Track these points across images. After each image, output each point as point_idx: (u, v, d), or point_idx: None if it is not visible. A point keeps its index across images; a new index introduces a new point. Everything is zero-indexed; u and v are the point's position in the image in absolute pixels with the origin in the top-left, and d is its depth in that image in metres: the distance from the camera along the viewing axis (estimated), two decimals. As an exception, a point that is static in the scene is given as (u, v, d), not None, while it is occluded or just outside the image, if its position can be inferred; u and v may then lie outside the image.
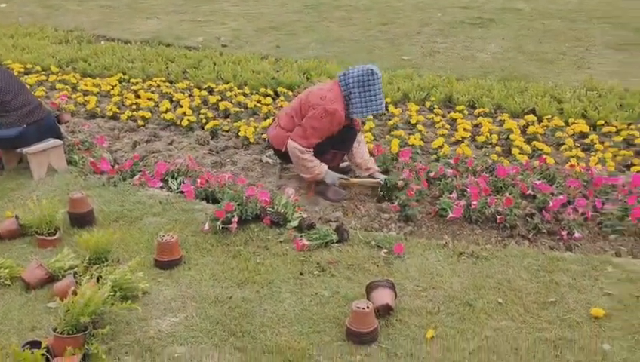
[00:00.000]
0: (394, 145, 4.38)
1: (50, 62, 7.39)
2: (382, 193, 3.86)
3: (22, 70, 7.11)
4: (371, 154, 4.24)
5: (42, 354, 2.05)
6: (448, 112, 5.50)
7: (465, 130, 4.86)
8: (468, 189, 3.63)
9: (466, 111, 5.44)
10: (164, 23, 10.98)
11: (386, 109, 5.44)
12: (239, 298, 2.74)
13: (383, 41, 9.26)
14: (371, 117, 5.21)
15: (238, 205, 3.38)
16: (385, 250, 3.15)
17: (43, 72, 7.07)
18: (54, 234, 3.19)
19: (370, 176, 3.98)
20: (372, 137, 4.74)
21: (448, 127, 5.04)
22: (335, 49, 8.77)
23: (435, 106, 5.60)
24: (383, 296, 2.58)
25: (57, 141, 4.20)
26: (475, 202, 3.48)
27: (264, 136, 4.80)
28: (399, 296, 2.72)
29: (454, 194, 3.65)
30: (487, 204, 3.50)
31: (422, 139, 4.68)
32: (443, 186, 3.82)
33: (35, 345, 2.17)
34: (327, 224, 3.51)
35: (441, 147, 4.47)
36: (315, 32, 9.84)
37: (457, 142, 4.73)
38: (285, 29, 10.19)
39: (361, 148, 4.02)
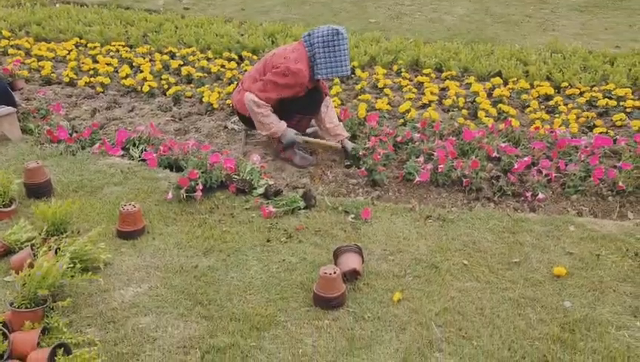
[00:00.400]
0: (361, 109, 4.33)
1: (1, 26, 7.03)
2: (349, 162, 3.83)
3: (-30, 34, 6.74)
4: (339, 119, 4.18)
5: (-2, 329, 1.98)
6: (415, 76, 5.47)
7: (432, 93, 4.84)
8: (435, 153, 3.62)
9: (433, 75, 5.41)
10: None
11: (352, 73, 5.37)
12: (205, 266, 2.69)
13: (350, 3, 9.10)
14: (338, 81, 5.14)
15: (203, 173, 3.30)
16: (352, 215, 3.13)
17: (-7, 37, 6.72)
18: (9, 206, 3.06)
19: (340, 144, 3.93)
20: (339, 102, 4.68)
21: (415, 90, 5.02)
22: (301, 11, 8.59)
23: (403, 70, 5.55)
24: (350, 261, 2.58)
25: (10, 108, 4.01)
26: (441, 166, 3.49)
27: (228, 101, 4.68)
28: (367, 261, 2.72)
29: (421, 158, 3.65)
30: (454, 168, 3.51)
31: (389, 104, 4.65)
32: (410, 150, 3.81)
33: (-10, 320, 2.09)
34: (294, 190, 3.47)
35: (408, 111, 4.44)
36: (281, -6, 9.60)
37: (424, 106, 4.72)
38: (249, -9, 9.90)
39: (330, 112, 3.95)
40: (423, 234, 2.98)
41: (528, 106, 4.67)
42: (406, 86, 5.10)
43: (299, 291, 2.53)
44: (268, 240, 2.91)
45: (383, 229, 3.02)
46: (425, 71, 5.46)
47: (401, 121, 4.38)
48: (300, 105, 3.75)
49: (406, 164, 3.65)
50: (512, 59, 5.64)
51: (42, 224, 2.80)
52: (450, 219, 3.11)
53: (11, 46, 6.33)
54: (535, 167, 3.59)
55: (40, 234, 2.76)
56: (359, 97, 4.82)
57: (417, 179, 3.47)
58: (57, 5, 8.74)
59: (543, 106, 4.74)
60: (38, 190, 3.24)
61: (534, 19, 7.99)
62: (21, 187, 3.23)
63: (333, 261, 2.65)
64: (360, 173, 3.61)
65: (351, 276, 2.57)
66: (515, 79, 5.17)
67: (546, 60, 5.67)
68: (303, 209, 3.20)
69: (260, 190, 3.34)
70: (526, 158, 3.62)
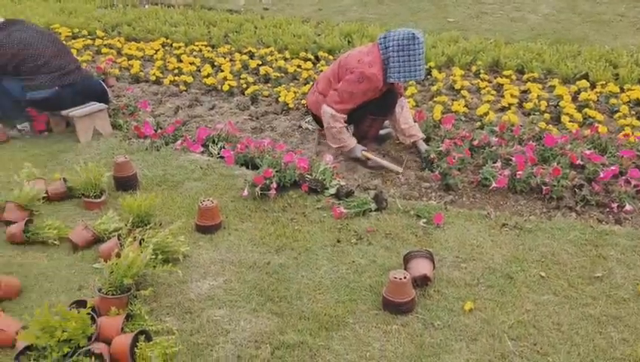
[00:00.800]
0: (436, 111, 4.26)
1: (96, 27, 7.51)
2: (423, 165, 3.79)
3: (69, 34, 7.26)
4: (414, 120, 4.14)
5: (88, 313, 2.13)
6: (495, 77, 5.30)
7: (512, 96, 4.68)
8: (513, 158, 3.51)
9: (513, 77, 5.23)
10: (207, -15, 10.89)
11: (429, 74, 5.29)
12: (277, 264, 2.76)
13: (428, 2, 8.95)
14: (413, 82, 5.08)
15: (277, 171, 3.38)
16: (424, 220, 3.10)
17: (89, 37, 7.19)
18: (100, 197, 3.27)
19: (414, 145, 3.90)
20: (414, 103, 4.63)
21: (494, 93, 4.87)
22: (378, 11, 8.55)
23: (481, 71, 5.40)
24: (421, 267, 2.55)
25: (102, 105, 4.28)
26: (520, 172, 3.37)
27: (303, 101, 4.76)
28: (438, 267, 2.68)
29: (498, 164, 3.54)
30: (533, 174, 3.38)
31: (466, 106, 4.54)
32: (487, 155, 3.71)
33: (81, 304, 2.25)
34: (366, 192, 3.47)
35: (486, 114, 4.32)
36: (358, -7, 9.60)
37: (503, 109, 4.57)
38: (328, -9, 9.97)
39: (405, 113, 3.92)
40: (498, 243, 2.89)
41: (617, 111, 4.40)
42: (484, 88, 4.96)
43: (368, 294, 2.54)
44: (338, 241, 2.94)
45: (456, 235, 2.96)
46: (505, 72, 5.28)
47: (479, 124, 4.27)
48: (373, 106, 3.75)
49: (482, 168, 3.56)
50: (600, 61, 5.34)
51: (128, 216, 2.99)
52: (528, 228, 3.00)
53: (104, 45, 6.76)
54: (623, 177, 3.38)
55: (126, 225, 2.94)
56: (435, 99, 4.74)
57: (494, 184, 3.37)
58: (147, 7, 9.22)
59: (634, 112, 4.45)
60: (125, 183, 3.44)
61: (627, 19, 7.51)
62: (110, 180, 3.45)
63: (403, 265, 2.64)
64: (433, 177, 3.56)
65: (421, 282, 2.54)
66: (604, 82, 4.89)
67: (638, 62, 5.32)
68: (374, 211, 3.20)
69: (332, 190, 3.37)
70: (613, 167, 3.43)
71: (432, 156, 3.66)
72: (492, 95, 4.79)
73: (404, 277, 2.40)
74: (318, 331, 2.32)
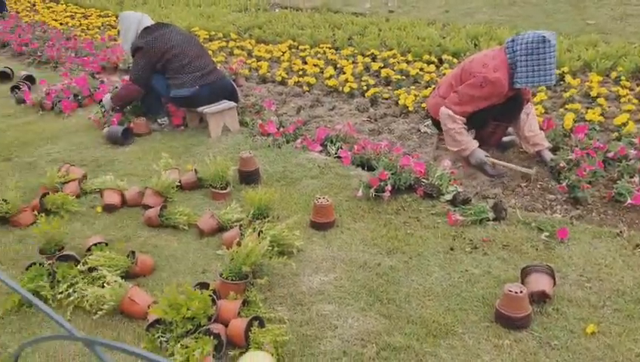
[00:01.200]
0: (567, 119, 4.00)
1: (230, 30, 8.02)
2: (550, 174, 3.57)
3: (207, 37, 7.83)
4: (540, 128, 3.92)
5: (210, 295, 2.30)
6: (637, 85, 4.85)
7: (657, 105, 4.25)
8: (654, 174, 3.20)
9: (661, 84, 4.74)
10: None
11: (559, 82, 4.98)
12: (387, 266, 2.77)
13: (566, 3, 8.40)
14: (543, 88, 4.81)
15: (392, 174, 3.39)
16: (546, 233, 2.93)
17: (224, 39, 7.70)
18: (225, 189, 3.51)
19: (538, 154, 3.70)
20: (542, 110, 4.38)
21: (636, 101, 4.45)
22: (509, 12, 8.19)
23: (623, 78, 4.96)
24: (540, 282, 2.42)
25: (232, 103, 4.58)
26: (661, 189, 3.06)
27: (423, 105, 4.70)
28: (559, 285, 2.52)
29: (636, 178, 3.24)
30: (678, 193, 3.05)
31: (602, 115, 4.21)
32: (623, 168, 3.41)
33: (204, 286, 2.44)
34: (484, 200, 3.36)
35: (625, 124, 3.97)
36: (488, -5, 9.26)
37: (646, 120, 4.17)
38: (456, -7, 9.75)
39: (530, 120, 3.73)
40: (630, 264, 2.65)
41: None
42: (625, 96, 4.55)
43: (480, 305, 2.46)
44: (451, 249, 2.88)
45: (582, 253, 2.77)
46: (651, 79, 4.81)
47: (615, 135, 3.93)
48: (496, 112, 3.60)
49: (617, 183, 3.28)
50: None
51: (250, 208, 3.17)
52: (667, 251, 2.72)
53: (237, 47, 7.20)
54: None
55: (247, 216, 3.12)
56: (567, 106, 4.45)
57: (629, 201, 3.09)
58: (277, 10, 9.66)
59: None
60: (248, 177, 3.65)
61: None
62: (235, 173, 3.68)
63: (520, 279, 2.52)
64: (559, 189, 3.35)
65: (539, 298, 2.41)
66: None
67: None
68: (492, 220, 3.08)
69: (448, 196, 3.30)
70: None
71: (560, 164, 3.43)
72: (633, 104, 4.39)
73: (521, 291, 2.29)
74: (425, 337, 2.30)
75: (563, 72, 5.13)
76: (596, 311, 2.37)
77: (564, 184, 3.32)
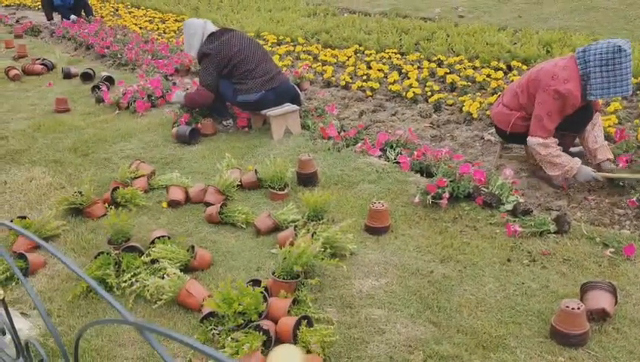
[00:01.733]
0: (642, 131, 3.78)
1: (298, 34, 8.16)
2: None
3: (275, 41, 8.00)
4: (611, 139, 3.74)
5: (261, 292, 2.37)
6: None
7: None
8: None
9: None
10: (404, -6, 11.08)
11: (635, 92, 4.71)
12: (440, 274, 2.74)
13: (650, 8, 7.93)
14: (618, 98, 4.57)
15: (451, 181, 3.34)
16: (611, 249, 2.79)
17: (292, 43, 7.85)
18: (284, 190, 3.58)
19: (598, 167, 3.52)
20: (616, 120, 4.16)
21: None
22: (586, 18, 7.83)
23: None
24: (600, 299, 2.32)
25: (294, 106, 4.66)
26: None
27: (488, 112, 4.59)
28: (621, 303, 2.40)
29: None
30: None
31: (682, 127, 3.95)
32: (702, 185, 3.19)
33: (256, 283, 2.51)
34: (547, 212, 3.24)
35: None
36: (565, 0, 8.91)
37: None
38: (530, -3, 9.44)
39: (596, 131, 3.56)
40: None
41: None
42: None
43: (534, 319, 2.39)
44: (508, 260, 2.81)
45: (650, 272, 2.62)
46: None
47: (697, 149, 3.68)
48: (564, 121, 3.46)
49: (694, 200, 3.08)
50: None
51: (305, 209, 3.22)
52: None
53: (304, 51, 7.31)
54: None
55: (302, 217, 3.18)
56: (643, 117, 4.21)
57: None
58: (345, 15, 9.73)
59: None
60: (307, 179, 3.71)
61: None
62: (294, 175, 3.75)
63: (579, 295, 2.42)
64: (629, 204, 3.18)
65: (598, 316, 2.31)
66: None
67: None
68: (554, 233, 2.97)
69: (508, 206, 3.22)
70: None
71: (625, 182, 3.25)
72: None
73: (578, 308, 2.20)
74: (475, 348, 2.26)
75: (636, 83, 4.85)
76: (662, 334, 2.24)
77: (634, 198, 3.15)
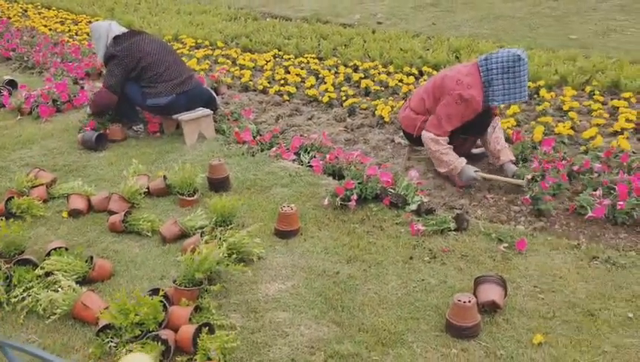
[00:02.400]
0: (537, 132, 4.03)
1: (217, 38, 8.06)
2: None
3: (193, 45, 7.87)
4: (509, 140, 3.96)
5: (160, 301, 2.31)
6: (611, 99, 4.89)
7: (627, 120, 4.28)
8: (616, 187, 3.22)
9: (633, 99, 4.79)
10: (327, 0, 11.25)
11: (533, 96, 5.03)
12: (345, 274, 2.78)
13: (551, 17, 8.49)
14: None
15: (359, 183, 3.41)
16: (505, 244, 2.95)
17: (210, 47, 7.74)
18: (193, 196, 3.52)
19: (501, 168, 3.73)
20: (515, 123, 4.41)
21: (607, 115, 4.50)
22: (494, 26, 8.26)
23: (597, 92, 5.01)
24: (490, 292, 2.44)
25: (208, 111, 4.60)
26: (621, 202, 3.08)
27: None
28: (512, 295, 2.54)
29: (599, 192, 3.26)
30: (638, 206, 3.07)
31: (572, 128, 4.24)
32: (587, 182, 3.44)
33: (156, 292, 2.44)
34: (451, 210, 3.38)
35: (592, 138, 4.01)
36: (475, 9, 9.37)
37: (615, 134, 4.20)
38: (444, 6, 9.86)
39: (496, 133, 3.77)
40: (585, 276, 2.67)
41: None
42: (597, 110, 4.59)
43: (432, 314, 2.47)
44: (411, 258, 2.90)
45: (538, 264, 2.79)
46: (624, 95, 4.85)
47: (583, 148, 3.97)
48: (465, 126, 3.63)
49: (579, 196, 3.31)
50: None
51: (213, 215, 3.18)
52: (622, 263, 2.74)
53: (222, 55, 7.23)
54: None
55: (209, 223, 3.13)
56: (539, 119, 4.49)
57: (590, 213, 3.12)
58: (267, 20, 9.72)
59: None
60: (218, 184, 3.66)
61: None
62: (205, 180, 3.69)
63: (472, 289, 2.53)
64: (524, 201, 3.37)
65: (489, 308, 2.43)
66: None
67: None
68: (454, 231, 3.10)
69: (413, 206, 3.32)
70: None
71: (528, 177, 3.46)
72: (604, 118, 4.42)
73: (469, 301, 2.30)
74: (374, 345, 2.31)
75: (539, 85, 5.18)
76: (546, 322, 2.39)
77: (528, 196, 3.34)
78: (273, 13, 10.54)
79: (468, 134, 3.75)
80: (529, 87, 5.12)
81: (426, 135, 3.66)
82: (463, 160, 3.63)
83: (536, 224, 3.23)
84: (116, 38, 4.41)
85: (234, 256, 2.76)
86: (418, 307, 2.53)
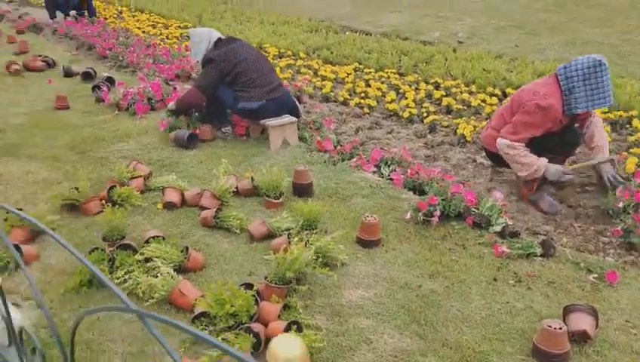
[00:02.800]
0: (630, 163, 3.90)
1: (299, 49, 8.28)
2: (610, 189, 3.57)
3: (276, 54, 8.11)
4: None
5: (252, 296, 2.42)
6: None
7: None
8: None
9: None
10: (406, 17, 11.32)
11: (625, 125, 4.87)
12: (428, 288, 2.80)
13: (643, 45, 8.16)
14: (609, 129, 4.71)
15: (443, 200, 3.42)
16: (595, 275, 2.88)
17: (293, 57, 7.96)
18: (279, 198, 3.64)
19: (597, 168, 3.71)
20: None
21: None
22: (580, 51, 8.02)
23: (698, 125, 4.78)
24: (581, 321, 2.39)
25: (293, 118, 4.74)
26: None
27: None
28: (602, 328, 2.48)
29: (697, 229, 3.12)
30: None
31: (668, 161, 4.06)
32: (684, 218, 3.29)
33: (248, 286, 2.56)
34: (534, 236, 3.33)
35: (693, 173, 3.82)
36: (561, 33, 9.14)
37: None
38: (527, 28, 9.67)
39: (599, 131, 3.73)
40: (681, 316, 2.57)
41: None
42: (697, 144, 4.39)
43: (517, 337, 2.45)
44: (495, 279, 2.88)
45: (630, 298, 2.70)
46: None
47: (680, 183, 3.79)
48: (552, 143, 3.58)
49: (676, 232, 3.18)
50: None
51: (299, 218, 3.28)
52: None
53: (304, 66, 7.43)
54: None
55: (296, 226, 3.24)
56: (631, 150, 4.33)
57: (687, 252, 2.99)
58: (347, 33, 9.89)
59: None
60: (302, 190, 3.77)
61: None
62: (290, 185, 3.81)
63: (562, 317, 2.49)
64: (614, 233, 3.27)
65: (579, 337, 2.38)
66: None
67: None
68: (539, 256, 3.06)
69: (497, 228, 3.30)
70: None
71: (618, 191, 3.40)
72: None
73: (560, 328, 2.27)
74: (459, 361, 2.32)
75: (631, 115, 5.00)
76: (638, 358, 2.31)
77: (619, 228, 3.24)
78: (352, 27, 10.70)
79: (555, 153, 3.68)
80: (621, 115, 4.97)
81: (501, 142, 3.63)
82: (544, 159, 3.57)
83: (627, 257, 3.13)
84: (216, 42, 4.65)
85: (320, 259, 2.84)
86: (503, 329, 2.51)
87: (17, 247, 2.97)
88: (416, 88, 6.28)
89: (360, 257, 3.10)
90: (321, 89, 6.34)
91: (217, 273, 2.92)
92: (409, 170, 4.03)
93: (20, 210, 3.36)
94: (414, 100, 5.71)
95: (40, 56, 7.56)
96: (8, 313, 2.03)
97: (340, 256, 2.96)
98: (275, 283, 2.60)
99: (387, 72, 6.91)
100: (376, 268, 2.99)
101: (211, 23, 10.35)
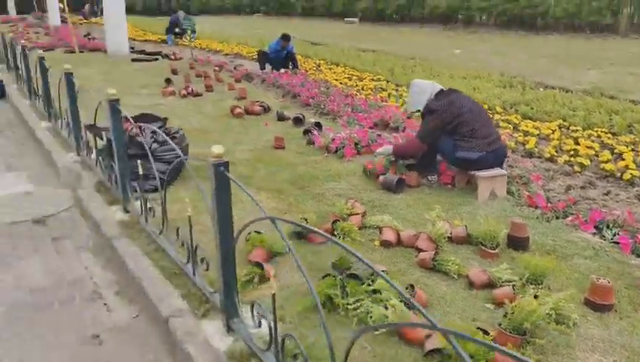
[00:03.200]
0: None
1: (495, 103, 8.21)
2: None
3: (471, 108, 8.14)
4: None
5: (491, 340, 2.42)
6: None
7: None
8: None
9: None
10: (607, 75, 10.65)
11: None
12: (680, 366, 2.53)
13: None
14: None
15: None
16: None
17: (489, 111, 7.91)
18: (495, 249, 3.61)
19: None
20: None
21: None
22: None
23: None
24: None
25: (503, 171, 4.70)
26: None
27: None
28: None
29: None
30: None
31: None
32: None
33: (485, 332, 2.55)
34: None
35: None
36: None
37: None
38: None
39: None
40: None
41: None
42: None
43: None
44: None
45: None
46: None
47: None
48: None
49: None
50: None
51: (523, 271, 3.21)
52: None
53: (502, 120, 7.33)
54: None
55: (520, 279, 3.17)
56: None
57: None
58: (542, 90, 9.56)
59: None
60: (518, 243, 3.69)
61: None
62: (504, 236, 3.75)
63: None
64: None
65: None
66: None
67: None
68: None
69: None
70: None
71: None
72: None
73: None
74: None
75: None
76: None
77: None
78: (547, 83, 10.34)
79: None
80: None
81: None
82: None
83: None
84: (438, 93, 4.86)
85: (553, 315, 2.74)
86: None
87: (259, 264, 3.35)
88: (634, 149, 5.81)
89: (591, 320, 2.92)
90: (524, 144, 6.19)
91: (440, 314, 2.97)
92: (638, 235, 3.72)
93: (259, 233, 3.78)
94: (634, 162, 5.28)
95: (257, 101, 8.54)
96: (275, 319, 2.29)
97: (573, 316, 2.82)
98: (510, 332, 2.56)
99: (597, 131, 6.51)
100: (611, 334, 2.79)
101: (402, 77, 10.77)
